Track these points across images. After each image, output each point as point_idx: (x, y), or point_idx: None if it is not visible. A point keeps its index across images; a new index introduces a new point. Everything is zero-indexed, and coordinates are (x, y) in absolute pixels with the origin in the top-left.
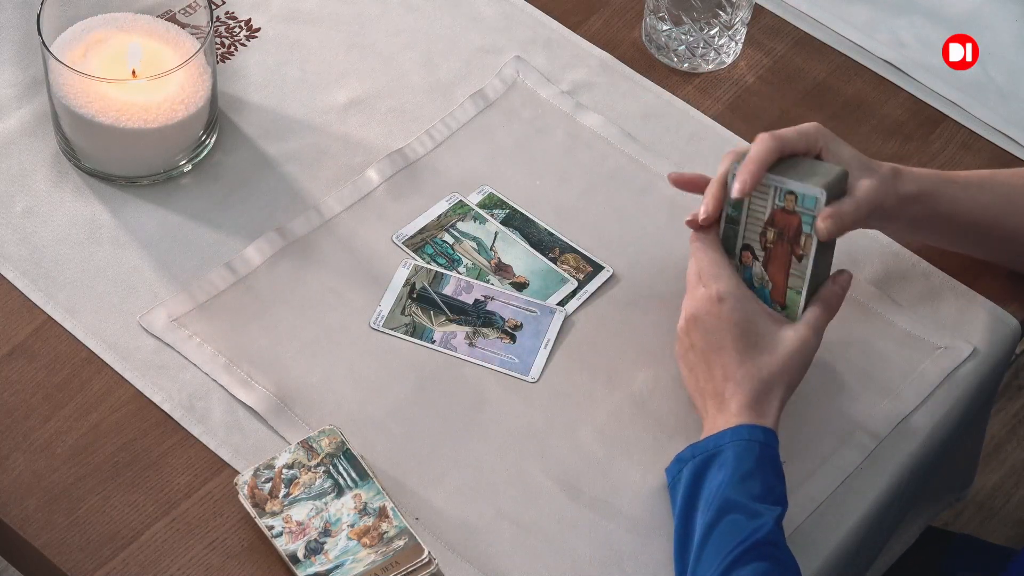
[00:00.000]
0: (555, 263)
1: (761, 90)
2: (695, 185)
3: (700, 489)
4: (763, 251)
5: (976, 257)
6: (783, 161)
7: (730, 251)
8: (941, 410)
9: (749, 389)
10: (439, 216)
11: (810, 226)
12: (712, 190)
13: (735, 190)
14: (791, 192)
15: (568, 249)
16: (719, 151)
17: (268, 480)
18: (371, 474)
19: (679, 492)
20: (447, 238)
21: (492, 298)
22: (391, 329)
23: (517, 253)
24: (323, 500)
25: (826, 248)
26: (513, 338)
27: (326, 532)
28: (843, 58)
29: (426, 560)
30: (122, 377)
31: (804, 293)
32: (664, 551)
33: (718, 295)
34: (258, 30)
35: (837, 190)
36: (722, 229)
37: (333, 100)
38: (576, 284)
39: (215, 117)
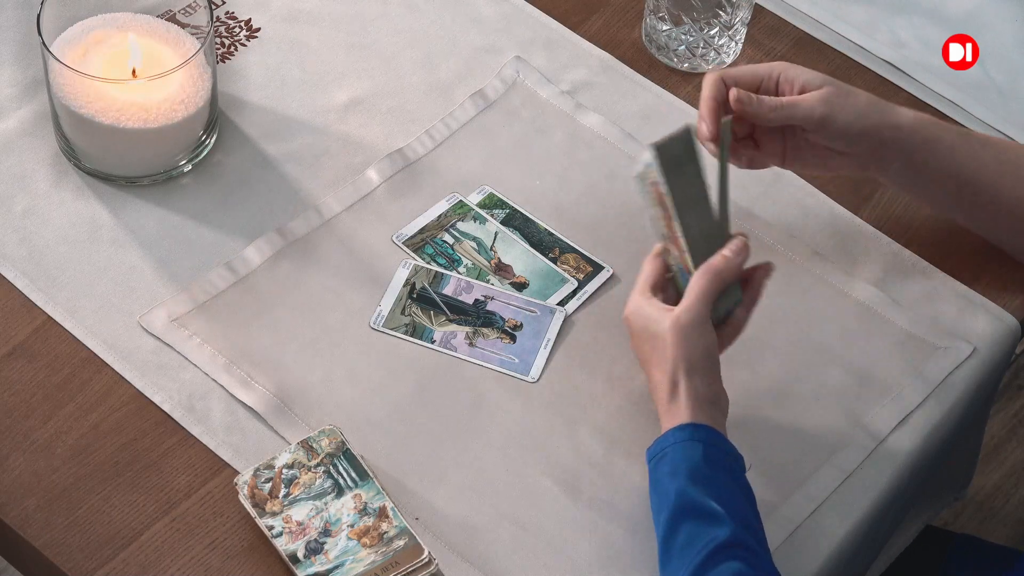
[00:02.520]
0: (555, 263)
1: None
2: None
3: (658, 494)
4: (668, 232)
5: (969, 228)
6: None
7: (667, 252)
8: (941, 410)
9: (660, 393)
10: (439, 216)
11: (663, 184)
12: (704, 108)
13: (701, 134)
14: (647, 164)
15: (568, 249)
16: None
17: (268, 480)
18: (371, 474)
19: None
20: (447, 238)
21: (492, 298)
22: (391, 329)
23: (517, 253)
24: (323, 500)
25: (692, 203)
26: (513, 338)
27: (326, 532)
28: (843, 58)
29: (426, 560)
30: (122, 377)
31: (687, 250)
32: None
33: (624, 316)
34: (258, 30)
35: (674, 147)
36: (656, 237)
37: (333, 100)
38: (576, 284)
39: (215, 117)
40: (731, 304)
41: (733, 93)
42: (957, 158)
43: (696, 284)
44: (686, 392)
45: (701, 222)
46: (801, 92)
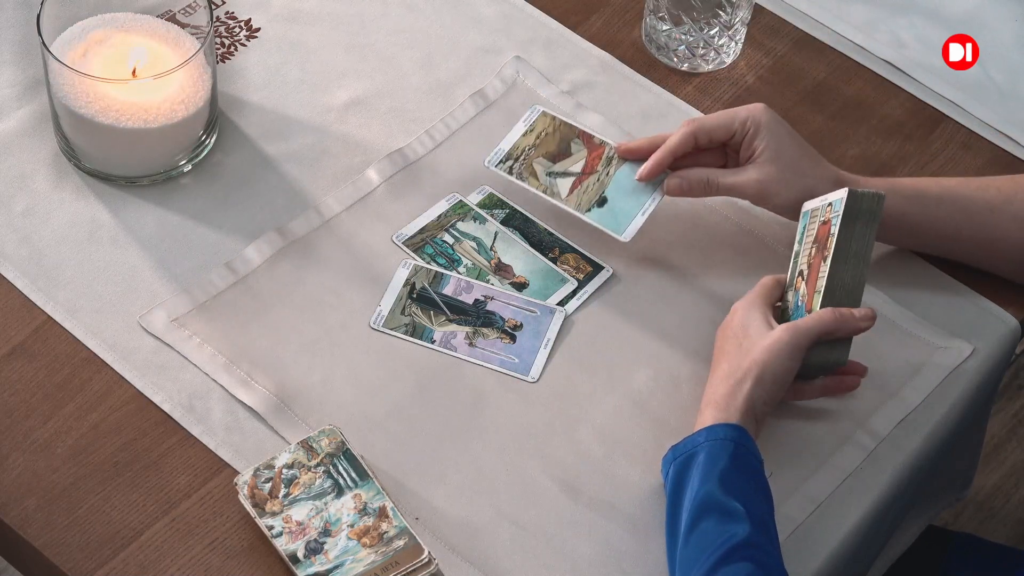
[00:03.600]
0: (555, 263)
1: (761, 90)
2: (643, 152)
3: (681, 491)
4: (808, 268)
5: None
6: None
7: (790, 287)
8: (941, 410)
9: (719, 389)
10: (439, 216)
11: (836, 226)
12: (658, 156)
13: (637, 174)
14: (829, 204)
15: (568, 249)
16: None
17: (268, 480)
18: (371, 474)
19: (667, 495)
20: (447, 238)
21: (492, 298)
22: (391, 329)
23: (517, 253)
24: (323, 500)
25: (850, 256)
26: (513, 338)
27: (326, 532)
28: (843, 58)
29: (426, 560)
30: (122, 377)
31: (822, 291)
32: (664, 551)
33: (732, 309)
34: (258, 30)
35: (865, 201)
36: (790, 267)
37: (333, 100)
38: (576, 284)
39: (215, 117)
40: (829, 361)
41: (675, 183)
42: (909, 222)
43: (818, 316)
44: (745, 396)
45: (847, 276)
46: (750, 157)
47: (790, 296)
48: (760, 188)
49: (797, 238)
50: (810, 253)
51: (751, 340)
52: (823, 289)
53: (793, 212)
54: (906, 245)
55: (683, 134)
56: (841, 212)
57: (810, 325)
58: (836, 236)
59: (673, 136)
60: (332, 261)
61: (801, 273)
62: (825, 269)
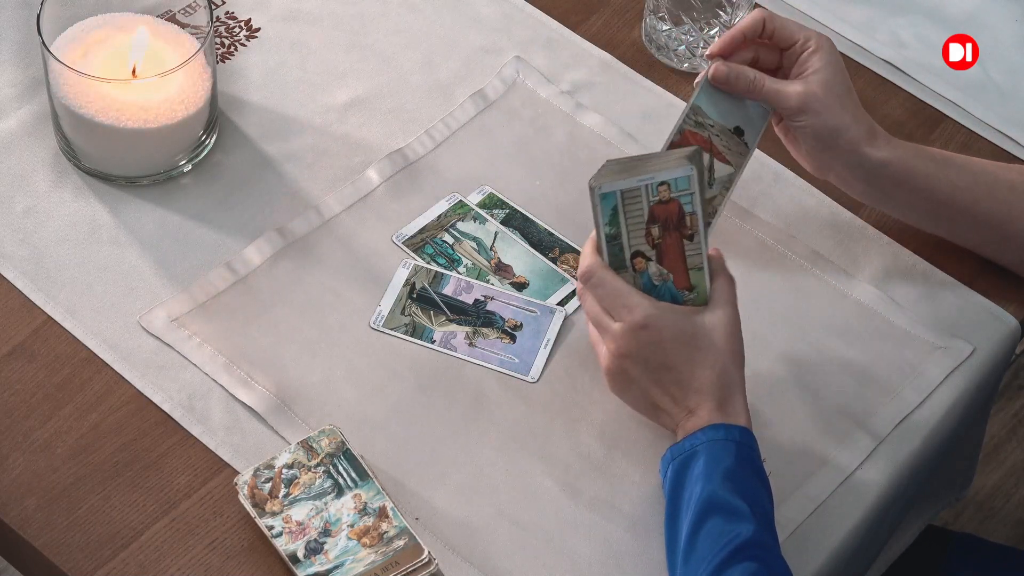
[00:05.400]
0: (555, 263)
1: None
2: (733, 45)
3: (682, 491)
4: (653, 249)
5: (947, 240)
6: (633, 160)
7: (623, 267)
8: (941, 410)
9: (712, 393)
10: (439, 216)
11: (691, 204)
12: (729, 34)
13: (708, 50)
14: (663, 183)
15: (568, 249)
16: None
17: (268, 480)
18: (371, 474)
19: (665, 495)
20: (447, 238)
21: (492, 298)
22: (391, 329)
23: (517, 253)
24: (323, 500)
25: (708, 216)
26: (513, 338)
27: (326, 532)
28: (843, 58)
29: (426, 560)
30: (122, 377)
31: (705, 267)
32: (664, 551)
33: (639, 324)
34: (258, 30)
35: (700, 165)
36: (607, 254)
37: (333, 100)
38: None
39: (215, 117)
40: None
41: (723, 70)
42: (931, 184)
43: (727, 289)
44: (741, 391)
45: (706, 233)
46: (801, 74)
47: (629, 277)
48: (802, 101)
49: (603, 220)
50: (651, 234)
51: (701, 336)
52: (705, 264)
53: (819, 144)
54: (921, 216)
55: (753, 17)
56: (695, 188)
57: (734, 301)
58: (699, 213)
59: (744, 19)
60: (332, 261)
61: (639, 254)
62: (698, 246)
